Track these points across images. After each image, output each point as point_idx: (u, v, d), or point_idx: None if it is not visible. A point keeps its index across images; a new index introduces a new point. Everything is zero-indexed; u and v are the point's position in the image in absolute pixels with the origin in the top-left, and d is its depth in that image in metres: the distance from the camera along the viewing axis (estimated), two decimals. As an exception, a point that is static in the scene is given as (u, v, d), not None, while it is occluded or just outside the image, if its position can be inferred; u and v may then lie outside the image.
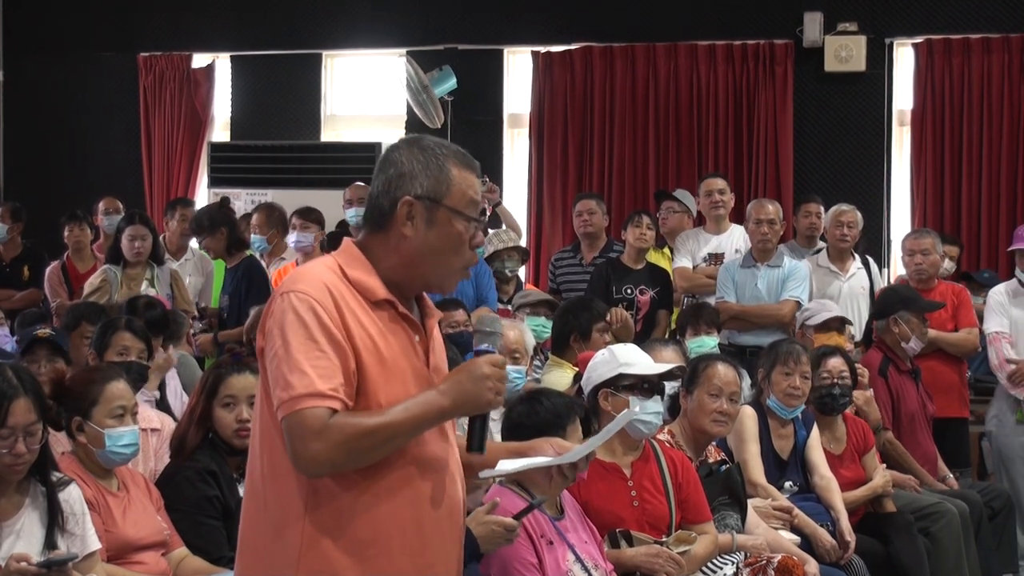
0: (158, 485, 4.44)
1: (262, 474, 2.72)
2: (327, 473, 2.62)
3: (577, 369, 5.63)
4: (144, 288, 7.69)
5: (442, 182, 2.73)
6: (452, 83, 9.96)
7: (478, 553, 3.64)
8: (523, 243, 8.61)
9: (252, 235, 8.53)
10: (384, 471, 2.66)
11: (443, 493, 2.75)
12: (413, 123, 10.38)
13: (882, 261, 9.68)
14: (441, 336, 2.97)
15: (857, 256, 7.91)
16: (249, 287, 7.65)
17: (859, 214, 7.89)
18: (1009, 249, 7.57)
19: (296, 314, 2.62)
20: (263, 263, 8.42)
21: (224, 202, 8.87)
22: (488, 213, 8.74)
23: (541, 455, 3.00)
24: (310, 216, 8.25)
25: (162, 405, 5.65)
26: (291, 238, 8.18)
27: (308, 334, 2.60)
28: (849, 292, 7.73)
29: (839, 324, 6.81)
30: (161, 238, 8.39)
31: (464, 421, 2.86)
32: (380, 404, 2.65)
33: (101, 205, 9.26)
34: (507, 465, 2.91)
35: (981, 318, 7.36)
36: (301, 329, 2.60)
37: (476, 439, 2.77)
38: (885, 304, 6.98)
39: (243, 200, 9.94)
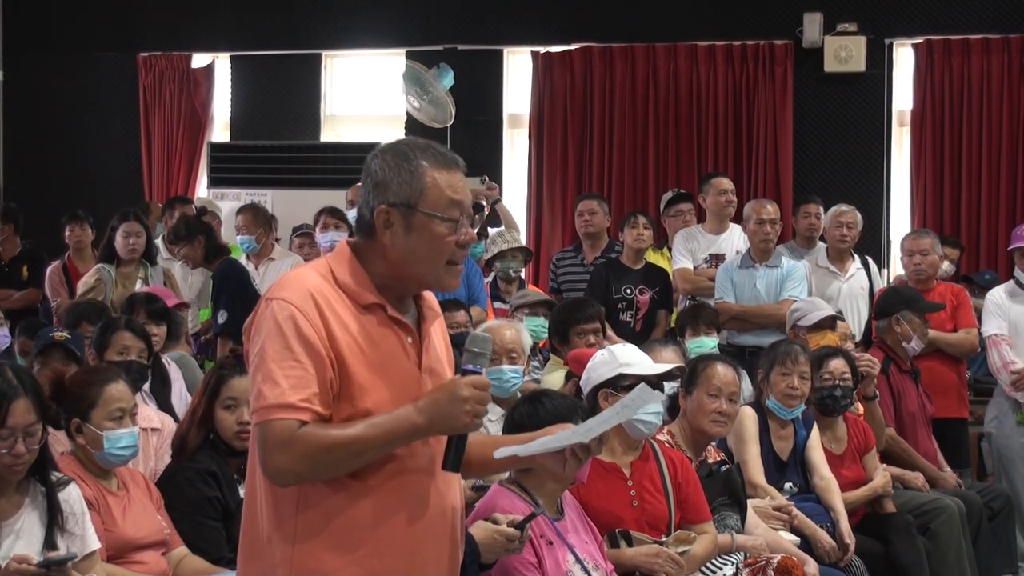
0: (159, 485, 4.44)
1: (260, 476, 2.72)
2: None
3: (568, 368, 5.63)
4: (138, 287, 7.70)
5: (415, 187, 2.70)
6: (451, 78, 10.05)
7: (479, 560, 3.64)
8: (522, 241, 8.61)
9: (239, 236, 8.52)
10: (375, 472, 2.66)
11: (436, 494, 2.75)
12: (413, 123, 10.40)
13: (882, 261, 9.69)
14: (448, 338, 2.95)
15: (856, 256, 7.92)
16: (220, 289, 7.61)
17: (859, 214, 7.90)
18: (1009, 248, 7.57)
19: (275, 322, 2.63)
20: (251, 264, 8.43)
21: (202, 211, 8.86)
22: (487, 211, 8.74)
23: None
24: (339, 215, 8.31)
25: (165, 406, 5.65)
26: (325, 237, 8.19)
27: (285, 343, 2.61)
28: (848, 292, 7.74)
29: (831, 322, 6.81)
30: (160, 238, 8.38)
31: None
32: (367, 408, 2.65)
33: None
34: (521, 448, 2.84)
35: (982, 319, 7.36)
36: (278, 338, 2.62)
37: (451, 459, 2.71)
38: (887, 304, 6.98)
39: (243, 200, 9.94)
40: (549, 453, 2.82)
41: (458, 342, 5.80)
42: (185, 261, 7.94)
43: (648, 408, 4.39)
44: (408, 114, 10.42)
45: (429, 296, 2.88)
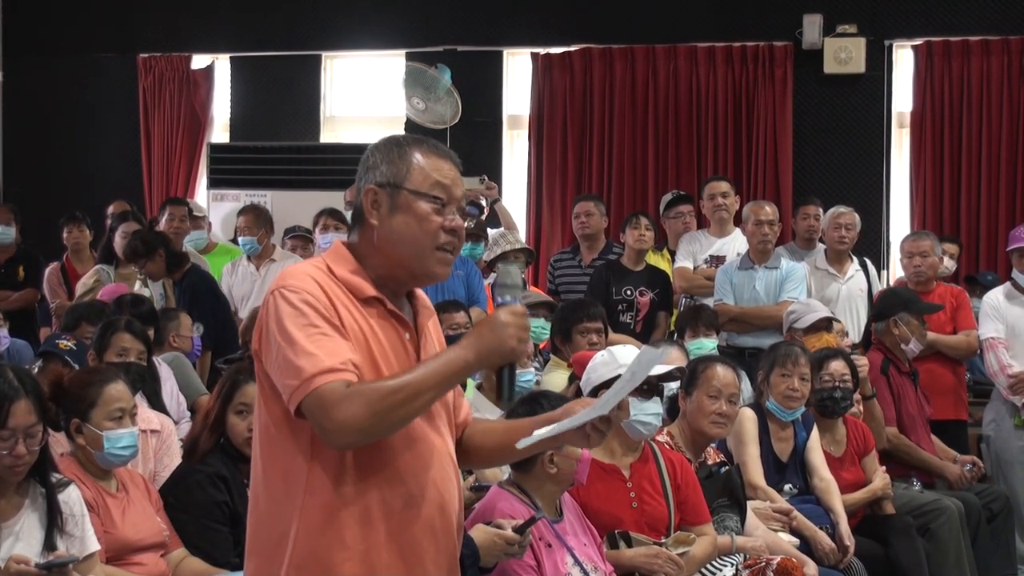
0: (167, 486, 4.44)
1: (261, 475, 2.74)
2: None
3: (572, 370, 5.64)
4: (137, 287, 7.69)
5: (402, 167, 2.74)
6: (449, 76, 10.13)
7: (479, 563, 3.64)
8: (523, 242, 8.61)
9: (240, 236, 8.51)
10: (375, 471, 2.67)
11: (435, 490, 2.75)
12: (413, 124, 10.40)
13: (881, 263, 9.69)
14: (442, 335, 2.96)
15: (855, 258, 7.92)
16: (193, 299, 7.54)
17: (857, 216, 7.89)
18: (1008, 249, 7.57)
19: (291, 305, 2.63)
20: (252, 265, 8.42)
21: (152, 223, 8.77)
22: (487, 212, 8.75)
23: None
24: (339, 216, 8.30)
25: (157, 405, 5.63)
26: (325, 238, 8.18)
27: (307, 321, 2.61)
28: (847, 294, 7.74)
29: (827, 324, 6.81)
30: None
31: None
32: None
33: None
34: (542, 432, 2.81)
35: (979, 321, 7.36)
36: (299, 318, 2.61)
37: (506, 389, 2.72)
38: (885, 306, 6.98)
39: (242, 202, 9.95)
40: (571, 430, 2.80)
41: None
42: (148, 276, 7.75)
43: (647, 409, 4.40)
44: (408, 116, 10.44)
45: (422, 294, 2.89)
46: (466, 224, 2.83)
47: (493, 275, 8.00)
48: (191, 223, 8.90)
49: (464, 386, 3.16)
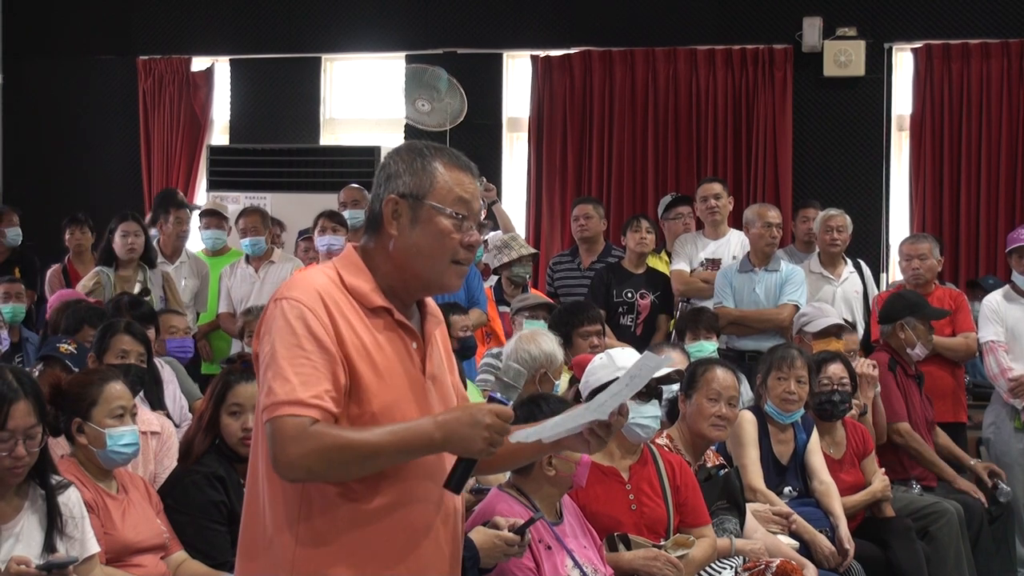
0: (165, 488, 4.44)
1: (263, 477, 2.74)
2: (304, 479, 2.63)
3: (572, 372, 5.64)
4: (137, 290, 7.67)
5: (425, 180, 2.74)
6: (444, 79, 10.15)
7: (479, 564, 3.65)
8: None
9: (244, 238, 8.51)
10: (378, 477, 2.66)
11: (437, 499, 2.75)
12: (412, 127, 10.40)
13: (880, 266, 9.70)
14: (449, 344, 2.96)
15: (848, 260, 7.92)
16: None
17: (848, 218, 7.87)
18: (1007, 250, 7.56)
19: (285, 320, 2.64)
20: (251, 267, 8.42)
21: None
22: (484, 213, 8.75)
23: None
24: (337, 219, 8.30)
25: (158, 407, 5.63)
26: (323, 241, 8.18)
27: (295, 341, 2.62)
28: (842, 296, 7.73)
29: (837, 330, 6.81)
30: (155, 241, 8.35)
31: None
32: (373, 411, 2.66)
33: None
34: (540, 431, 2.78)
35: (978, 324, 7.35)
36: (289, 336, 2.62)
37: (455, 480, 2.69)
38: (892, 310, 6.96)
39: (242, 204, 9.94)
40: (571, 436, 2.79)
41: (455, 347, 5.79)
42: None
43: (646, 412, 4.40)
44: (409, 121, 10.45)
45: (431, 303, 2.90)
46: (482, 237, 2.83)
47: (494, 277, 8.03)
48: (215, 223, 8.89)
49: (465, 385, 3.14)
